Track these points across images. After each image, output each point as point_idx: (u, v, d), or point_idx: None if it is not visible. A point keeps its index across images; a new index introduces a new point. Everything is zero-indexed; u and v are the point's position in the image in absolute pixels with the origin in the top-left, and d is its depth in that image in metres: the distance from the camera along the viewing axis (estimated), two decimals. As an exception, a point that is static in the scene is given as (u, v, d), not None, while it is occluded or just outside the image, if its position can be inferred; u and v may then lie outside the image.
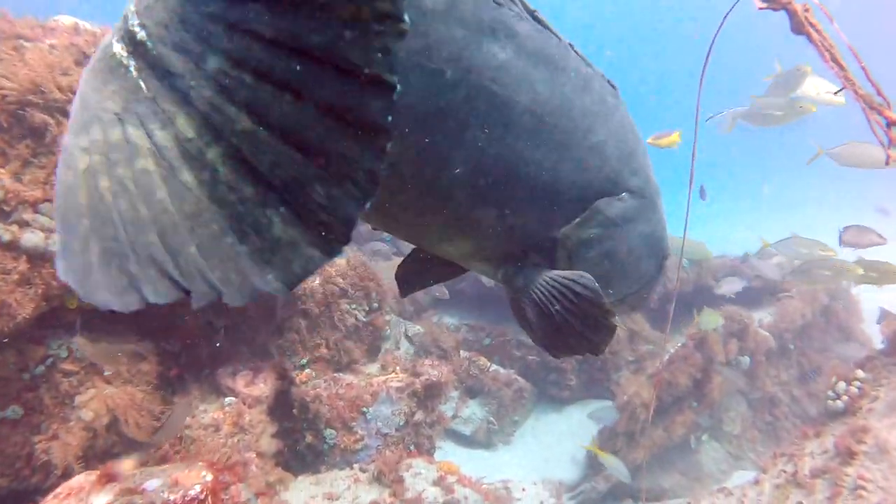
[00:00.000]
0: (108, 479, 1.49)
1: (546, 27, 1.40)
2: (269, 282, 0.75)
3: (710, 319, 5.61)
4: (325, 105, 0.72)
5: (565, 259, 1.56)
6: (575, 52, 1.48)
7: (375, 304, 4.47)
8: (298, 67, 0.71)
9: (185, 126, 0.75)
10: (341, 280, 4.37)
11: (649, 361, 6.61)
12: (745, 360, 6.11)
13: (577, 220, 1.52)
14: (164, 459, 2.79)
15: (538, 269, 1.53)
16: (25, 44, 2.84)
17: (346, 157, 0.73)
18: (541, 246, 1.54)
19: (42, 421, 2.89)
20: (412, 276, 1.84)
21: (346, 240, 0.76)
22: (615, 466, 4.89)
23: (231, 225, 0.75)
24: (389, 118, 0.73)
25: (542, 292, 1.50)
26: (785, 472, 2.99)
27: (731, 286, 6.76)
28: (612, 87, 1.57)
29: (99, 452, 2.95)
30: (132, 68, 0.79)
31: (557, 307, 1.48)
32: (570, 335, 1.49)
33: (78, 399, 2.92)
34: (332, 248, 0.75)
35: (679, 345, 6.07)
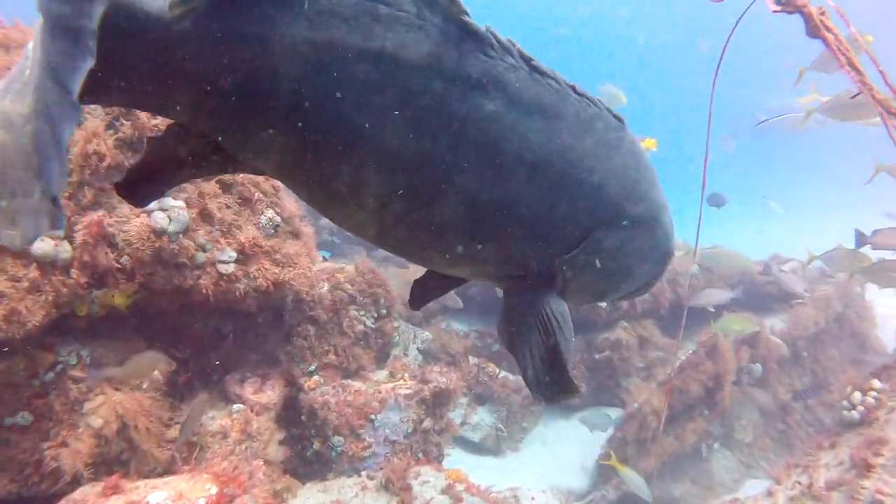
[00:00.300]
0: (113, 490, 1.48)
1: (544, 74, 1.49)
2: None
3: (732, 325, 5.50)
4: None
5: (563, 281, 1.69)
6: (577, 94, 1.55)
7: (384, 311, 4.45)
8: None
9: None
10: (350, 286, 4.37)
11: (660, 368, 6.55)
12: (757, 367, 6.04)
13: (575, 251, 1.64)
14: (171, 468, 2.79)
15: (536, 291, 1.67)
16: (37, 52, 2.85)
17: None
18: (540, 272, 1.67)
19: (51, 427, 2.89)
20: (426, 291, 1.97)
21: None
22: (636, 483, 4.80)
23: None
24: None
25: (527, 318, 1.65)
26: (800, 483, 2.93)
27: (710, 298, 6.24)
28: (619, 120, 1.63)
29: (108, 459, 2.95)
30: None
31: (535, 337, 1.63)
32: (535, 363, 1.65)
33: (87, 406, 2.92)
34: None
35: (690, 352, 6.01)
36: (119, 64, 1.22)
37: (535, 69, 1.48)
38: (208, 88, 1.26)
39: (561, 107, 1.52)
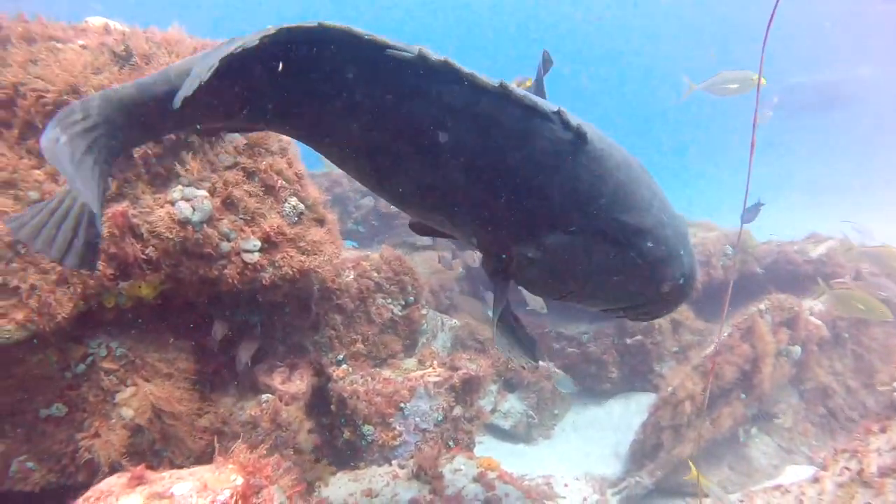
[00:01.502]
0: (138, 481, 1.46)
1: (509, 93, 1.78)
2: None
3: (855, 303, 5.24)
4: None
5: (518, 267, 2.03)
6: (542, 114, 1.83)
7: (411, 298, 4.40)
8: None
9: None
10: (376, 274, 4.32)
11: (694, 352, 6.39)
12: (797, 349, 5.84)
13: (522, 243, 1.98)
14: (201, 457, 2.79)
15: (494, 268, 2.13)
16: (59, 45, 2.84)
17: None
18: (498, 254, 2.08)
19: (85, 418, 2.91)
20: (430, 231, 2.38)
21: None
22: (720, 496, 4.64)
23: None
24: None
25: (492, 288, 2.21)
26: (848, 469, 2.80)
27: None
28: (578, 140, 1.84)
29: (141, 450, 2.96)
30: None
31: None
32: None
33: (118, 396, 2.93)
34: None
35: (725, 334, 5.84)
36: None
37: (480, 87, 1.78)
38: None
39: (510, 122, 1.81)
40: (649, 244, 1.94)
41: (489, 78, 1.76)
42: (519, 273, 2.04)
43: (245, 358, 3.22)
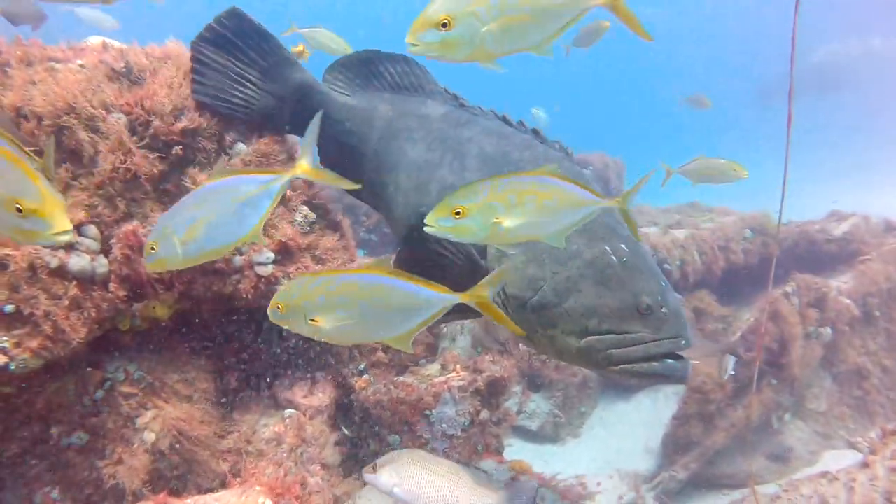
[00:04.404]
0: (163, 512, 1.38)
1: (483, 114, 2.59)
2: None
3: None
4: None
5: (493, 257, 2.29)
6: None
7: (429, 302, 4.31)
8: None
9: None
10: (392, 280, 4.24)
11: (720, 339, 6.24)
12: (827, 331, 5.68)
13: None
14: (226, 480, 2.71)
15: (469, 252, 2.38)
16: (56, 66, 2.79)
17: None
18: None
19: (106, 445, 2.84)
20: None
21: None
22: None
23: None
24: None
25: None
26: (901, 452, 2.67)
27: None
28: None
29: (165, 475, 2.89)
30: None
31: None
32: None
33: (139, 421, 2.86)
34: None
35: (751, 319, 5.70)
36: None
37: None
38: None
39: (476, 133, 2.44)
40: (594, 258, 2.08)
41: None
42: (499, 261, 2.34)
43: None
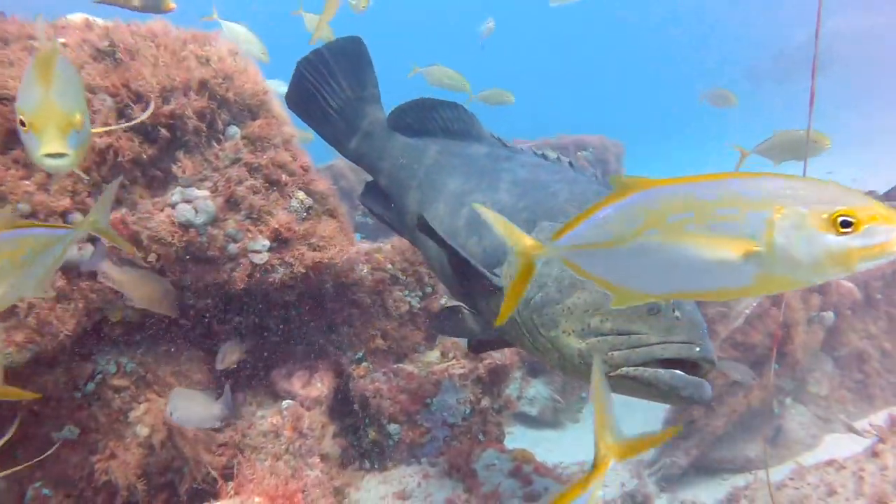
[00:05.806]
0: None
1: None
2: None
3: None
4: None
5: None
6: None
7: (429, 289, 4.21)
8: None
9: None
10: (390, 266, 4.13)
11: (721, 325, 6.18)
12: (829, 315, 5.62)
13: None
14: (223, 474, 2.64)
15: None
16: (36, 44, 2.65)
17: None
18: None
19: (99, 440, 2.76)
20: None
21: None
22: None
23: None
24: None
25: None
26: (913, 441, 2.62)
27: None
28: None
29: (159, 468, 2.82)
30: None
31: None
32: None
33: (132, 414, 2.78)
34: None
35: (754, 304, 5.63)
36: None
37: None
38: None
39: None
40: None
41: None
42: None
43: (225, 364, 2.99)
